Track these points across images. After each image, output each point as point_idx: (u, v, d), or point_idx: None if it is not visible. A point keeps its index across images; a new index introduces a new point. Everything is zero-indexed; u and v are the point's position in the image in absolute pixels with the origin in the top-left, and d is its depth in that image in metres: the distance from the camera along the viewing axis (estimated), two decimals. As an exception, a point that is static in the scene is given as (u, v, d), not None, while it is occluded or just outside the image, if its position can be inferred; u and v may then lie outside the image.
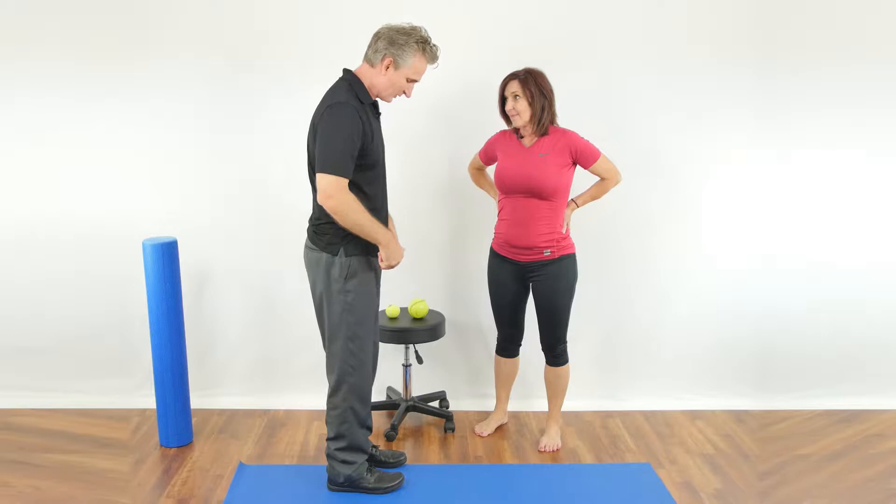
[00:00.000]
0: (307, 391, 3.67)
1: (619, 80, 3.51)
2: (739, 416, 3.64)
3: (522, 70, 3.05)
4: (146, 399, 3.59)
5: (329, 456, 2.88)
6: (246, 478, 3.01)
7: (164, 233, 3.46)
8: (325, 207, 2.56)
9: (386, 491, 2.89)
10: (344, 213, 2.54)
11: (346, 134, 2.52)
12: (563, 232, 3.13)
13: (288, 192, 3.52)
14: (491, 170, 3.34)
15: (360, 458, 2.88)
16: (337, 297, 2.70)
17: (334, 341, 2.75)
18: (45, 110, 3.52)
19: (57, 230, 3.61)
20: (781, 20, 3.47)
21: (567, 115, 3.16)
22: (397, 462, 3.11)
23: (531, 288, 3.21)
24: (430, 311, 3.55)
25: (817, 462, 3.21)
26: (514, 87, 3.02)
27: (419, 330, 3.37)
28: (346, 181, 2.53)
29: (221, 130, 3.54)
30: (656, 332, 3.74)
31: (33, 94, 3.50)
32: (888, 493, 2.95)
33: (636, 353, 3.75)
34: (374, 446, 3.08)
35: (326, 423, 2.87)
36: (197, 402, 3.56)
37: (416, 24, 2.68)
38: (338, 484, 2.89)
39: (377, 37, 2.66)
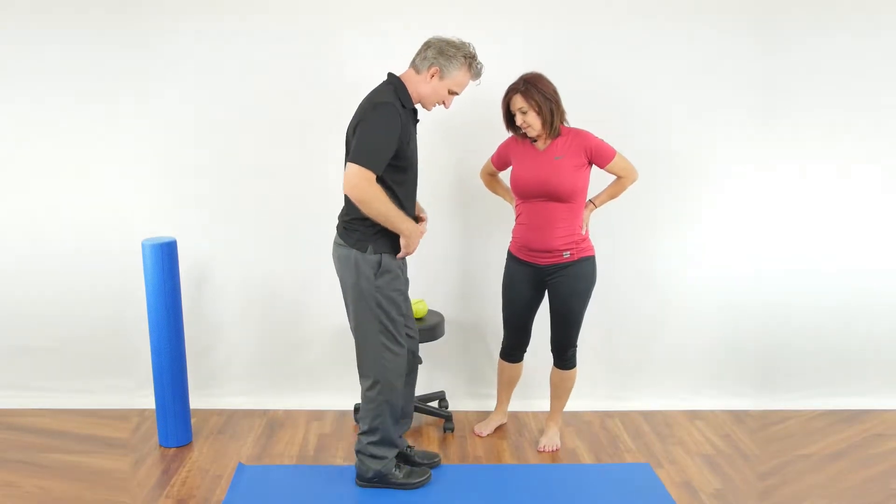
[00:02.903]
0: (306, 391, 3.68)
1: (619, 79, 3.51)
2: (739, 416, 3.64)
3: (520, 80, 2.99)
4: (146, 399, 3.59)
5: (359, 451, 2.89)
6: (245, 478, 3.01)
7: (164, 233, 3.46)
8: (349, 196, 2.61)
9: (415, 486, 2.91)
10: (368, 203, 2.59)
11: (386, 132, 2.58)
12: (583, 233, 3.11)
13: (289, 192, 3.53)
14: (505, 175, 3.32)
15: (391, 454, 2.89)
16: (368, 293, 2.72)
17: (368, 337, 2.77)
18: (45, 109, 3.51)
19: (56, 230, 3.61)
20: (787, 18, 3.46)
21: (574, 115, 3.14)
22: (432, 463, 3.09)
23: (548, 290, 3.18)
24: (430, 311, 3.55)
25: (818, 462, 3.20)
26: (519, 101, 2.97)
27: (418, 330, 3.36)
28: (373, 175, 2.57)
29: (222, 130, 3.54)
30: (656, 332, 3.73)
31: (32, 93, 3.50)
32: (889, 493, 2.95)
33: (636, 354, 3.74)
34: (409, 446, 3.09)
35: (359, 417, 2.87)
36: (196, 402, 3.57)
37: (465, 40, 2.76)
38: (367, 479, 2.90)
39: (427, 46, 2.73)
